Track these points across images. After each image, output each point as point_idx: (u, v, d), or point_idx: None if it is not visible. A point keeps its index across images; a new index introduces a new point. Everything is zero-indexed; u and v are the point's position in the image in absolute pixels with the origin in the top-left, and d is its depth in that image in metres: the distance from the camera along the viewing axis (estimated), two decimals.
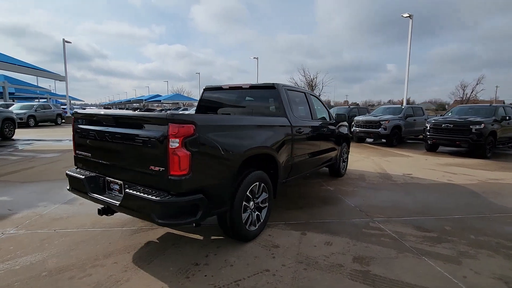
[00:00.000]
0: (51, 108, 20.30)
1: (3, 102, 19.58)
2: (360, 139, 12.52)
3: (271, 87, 3.77)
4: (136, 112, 2.49)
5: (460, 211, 4.01)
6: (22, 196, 4.39)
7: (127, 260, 2.60)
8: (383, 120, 11.06)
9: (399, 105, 13.33)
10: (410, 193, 4.92)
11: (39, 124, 18.75)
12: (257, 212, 3.06)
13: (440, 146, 10.08)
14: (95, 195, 2.62)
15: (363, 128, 11.68)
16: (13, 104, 18.92)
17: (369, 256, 2.72)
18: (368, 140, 12.78)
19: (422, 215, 3.86)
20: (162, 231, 3.19)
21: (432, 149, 9.95)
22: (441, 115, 11.62)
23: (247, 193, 2.84)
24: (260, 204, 3.11)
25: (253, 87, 3.93)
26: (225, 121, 2.72)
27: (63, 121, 21.61)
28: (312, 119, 4.47)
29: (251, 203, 2.97)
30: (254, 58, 33.34)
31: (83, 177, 2.72)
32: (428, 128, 9.63)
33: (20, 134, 12.90)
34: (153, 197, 2.17)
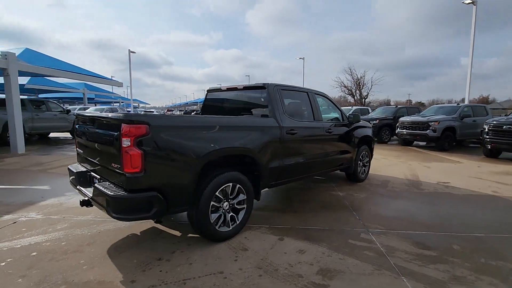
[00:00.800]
0: (117, 111, 23.02)
1: (82, 106, 22.92)
2: (406, 142, 11.37)
3: (261, 87, 3.70)
4: (103, 114, 2.70)
5: (485, 229, 3.39)
6: (59, 186, 5.08)
7: (104, 249, 2.83)
8: (432, 121, 9.86)
9: (455, 104, 11.69)
10: (433, 204, 4.31)
11: None
12: (231, 213, 3.04)
13: (504, 152, 8.57)
14: (81, 188, 2.93)
15: (409, 130, 10.58)
16: (88, 108, 21.97)
17: (338, 270, 2.49)
18: (421, 143, 11.51)
19: (433, 229, 3.36)
20: (148, 225, 3.39)
21: (492, 155, 8.52)
22: (505, 115, 9.86)
23: (217, 193, 2.85)
24: (236, 206, 3.09)
25: (246, 87, 3.92)
26: (185, 121, 2.77)
27: None
28: (314, 119, 4.24)
29: (225, 204, 2.97)
30: (300, 58, 32.82)
31: (75, 171, 3.06)
32: (486, 130, 8.28)
33: None
34: (109, 192, 2.34)
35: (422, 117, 10.65)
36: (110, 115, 2.44)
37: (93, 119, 2.81)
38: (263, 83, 3.69)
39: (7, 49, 9.04)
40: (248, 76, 49.10)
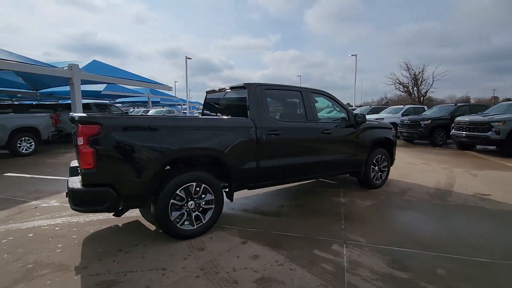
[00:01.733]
0: (174, 112, 25.11)
1: (145, 109, 25.72)
2: (465, 146, 9.80)
3: (242, 87, 3.65)
4: (75, 114, 2.98)
5: (500, 255, 2.75)
6: None
7: (82, 236, 3.16)
8: (495, 121, 8.31)
9: None
10: (449, 218, 3.67)
11: None
12: (196, 213, 3.08)
13: None
14: (68, 180, 3.31)
15: (466, 131, 9.11)
16: (149, 110, 24.49)
17: (279, 281, 2.32)
18: (489, 148, 9.80)
19: (427, 248, 2.86)
20: (133, 217, 3.66)
21: None
22: None
23: (178, 192, 2.92)
24: (203, 205, 3.12)
25: (232, 88, 3.90)
26: (140, 122, 2.87)
27: None
28: (307, 120, 4.00)
29: (190, 202, 3.03)
30: (352, 55, 30.93)
31: (71, 165, 3.48)
32: None
33: None
34: (70, 185, 2.61)
35: (483, 116, 9.05)
36: (75, 115, 2.69)
37: (71, 119, 3.16)
38: (244, 83, 3.63)
39: (73, 61, 10.68)
40: (300, 76, 47.94)
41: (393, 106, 17.15)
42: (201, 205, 3.11)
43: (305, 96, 4.09)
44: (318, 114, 4.19)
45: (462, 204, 4.21)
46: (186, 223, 3.03)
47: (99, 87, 22.36)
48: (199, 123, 3.23)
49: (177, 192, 2.91)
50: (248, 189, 3.63)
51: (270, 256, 2.71)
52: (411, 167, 6.90)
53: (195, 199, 3.06)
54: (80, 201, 2.59)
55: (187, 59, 27.81)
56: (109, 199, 2.60)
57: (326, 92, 4.51)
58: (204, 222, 3.12)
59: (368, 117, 5.81)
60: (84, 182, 2.58)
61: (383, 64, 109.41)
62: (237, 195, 3.69)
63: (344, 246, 2.92)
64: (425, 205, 4.17)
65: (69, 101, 11.21)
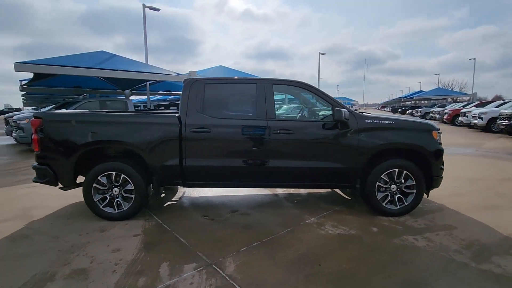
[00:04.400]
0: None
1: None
2: None
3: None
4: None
5: None
6: None
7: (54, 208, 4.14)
8: None
9: None
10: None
11: None
12: (118, 199, 3.42)
13: None
14: None
15: None
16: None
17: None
18: None
19: None
20: None
21: None
22: None
23: (99, 178, 3.36)
24: (124, 194, 3.42)
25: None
26: (69, 117, 3.41)
27: None
28: (257, 117, 3.39)
29: (115, 189, 3.41)
30: None
31: None
32: None
33: None
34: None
35: None
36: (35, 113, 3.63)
37: None
38: (185, 78, 3.56)
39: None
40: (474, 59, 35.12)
41: None
42: (122, 193, 3.41)
43: (260, 90, 3.47)
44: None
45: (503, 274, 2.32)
46: (107, 208, 3.41)
47: None
48: (117, 119, 3.52)
49: (99, 178, 3.35)
50: (183, 186, 3.58)
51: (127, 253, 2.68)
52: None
53: (118, 187, 3.40)
54: (35, 175, 3.53)
55: (320, 55, 27.39)
56: (48, 176, 3.39)
57: (303, 83, 3.60)
58: (124, 209, 3.41)
59: None
60: (36, 161, 3.49)
61: None
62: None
63: (203, 268, 2.42)
64: (431, 260, 2.59)
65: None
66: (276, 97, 3.59)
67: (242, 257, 2.61)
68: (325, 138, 3.41)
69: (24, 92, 19.17)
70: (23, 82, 12.94)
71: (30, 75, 10.44)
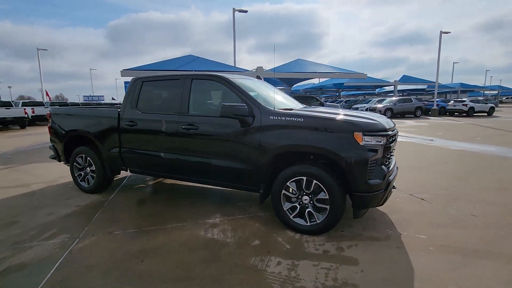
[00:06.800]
0: (411, 101, 21.61)
1: (378, 98, 24.30)
2: None
3: None
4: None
5: None
6: None
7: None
8: None
9: None
10: None
11: (397, 115, 21.06)
12: (88, 176, 4.30)
13: None
14: None
15: None
16: (384, 99, 22.87)
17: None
18: None
19: None
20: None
21: None
22: None
23: (77, 158, 4.33)
24: (91, 173, 4.28)
25: None
26: (61, 111, 4.43)
27: (425, 114, 21.94)
28: (180, 112, 3.47)
29: (88, 169, 4.33)
30: None
31: None
32: None
33: None
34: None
35: None
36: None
37: None
38: (132, 78, 4.02)
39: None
40: None
41: None
42: (88, 172, 4.27)
43: (180, 85, 3.53)
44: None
45: None
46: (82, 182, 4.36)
47: (342, 80, 24.83)
48: (80, 112, 4.35)
49: (76, 158, 4.33)
50: (129, 172, 4.10)
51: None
52: None
53: (86, 167, 4.29)
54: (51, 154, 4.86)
55: None
56: (55, 154, 4.64)
57: (216, 76, 3.38)
58: (90, 185, 4.27)
59: None
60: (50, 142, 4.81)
61: None
62: None
63: None
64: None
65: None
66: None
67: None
68: (225, 135, 3.14)
69: None
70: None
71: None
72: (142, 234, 2.96)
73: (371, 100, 24.52)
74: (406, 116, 21.70)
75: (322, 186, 2.70)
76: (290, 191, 2.88)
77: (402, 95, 32.10)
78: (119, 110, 3.95)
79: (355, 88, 33.74)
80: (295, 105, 4.01)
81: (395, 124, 3.54)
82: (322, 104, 15.20)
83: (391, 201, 3.76)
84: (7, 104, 15.60)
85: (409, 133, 11.37)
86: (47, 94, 31.33)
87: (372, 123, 2.73)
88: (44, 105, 18.49)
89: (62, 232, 3.05)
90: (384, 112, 20.46)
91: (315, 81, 32.87)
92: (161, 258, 2.51)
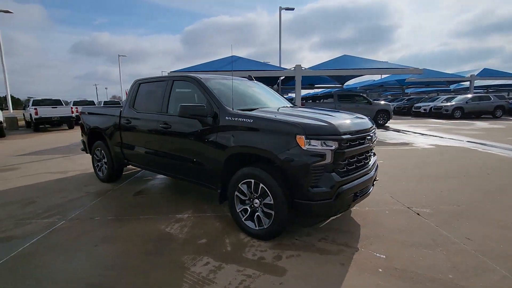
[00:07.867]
0: (489, 99, 18.33)
1: (447, 96, 21.09)
2: None
3: None
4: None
5: None
6: None
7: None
8: None
9: None
10: None
11: (471, 116, 18.18)
12: (103, 167, 4.92)
13: None
14: None
15: None
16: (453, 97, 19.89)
17: None
18: None
19: None
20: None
21: None
22: None
23: (95, 151, 4.99)
24: (104, 164, 4.89)
25: None
26: (89, 110, 5.10)
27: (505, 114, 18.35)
28: (161, 111, 3.73)
29: (102, 160, 4.96)
30: None
31: None
32: None
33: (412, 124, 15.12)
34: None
35: None
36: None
37: None
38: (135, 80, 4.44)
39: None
40: None
41: None
42: (103, 164, 4.88)
43: (165, 86, 3.78)
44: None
45: None
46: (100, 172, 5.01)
47: (403, 77, 22.93)
48: (97, 111, 4.92)
49: (95, 151, 4.99)
50: (129, 165, 4.55)
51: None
52: None
53: (102, 159, 4.90)
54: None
55: None
56: (84, 146, 5.41)
57: (187, 77, 3.52)
58: (104, 174, 4.88)
59: None
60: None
61: None
62: None
63: None
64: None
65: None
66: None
67: None
68: (190, 135, 3.27)
69: None
70: None
71: None
72: (116, 222, 3.30)
73: (438, 98, 21.62)
74: (482, 116, 18.58)
75: (267, 190, 2.61)
76: (241, 192, 2.85)
77: (487, 92, 27.48)
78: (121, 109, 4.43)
79: (423, 85, 30.15)
80: (281, 105, 3.90)
81: (373, 125, 3.18)
82: (370, 103, 14.07)
83: (377, 213, 3.39)
84: (91, 104, 17.85)
85: (470, 137, 9.75)
86: (126, 94, 36.29)
87: (320, 126, 2.52)
88: (95, 105, 18.16)
89: (58, 213, 3.59)
90: (452, 111, 17.89)
91: (377, 77, 30.43)
92: (113, 245, 2.78)
